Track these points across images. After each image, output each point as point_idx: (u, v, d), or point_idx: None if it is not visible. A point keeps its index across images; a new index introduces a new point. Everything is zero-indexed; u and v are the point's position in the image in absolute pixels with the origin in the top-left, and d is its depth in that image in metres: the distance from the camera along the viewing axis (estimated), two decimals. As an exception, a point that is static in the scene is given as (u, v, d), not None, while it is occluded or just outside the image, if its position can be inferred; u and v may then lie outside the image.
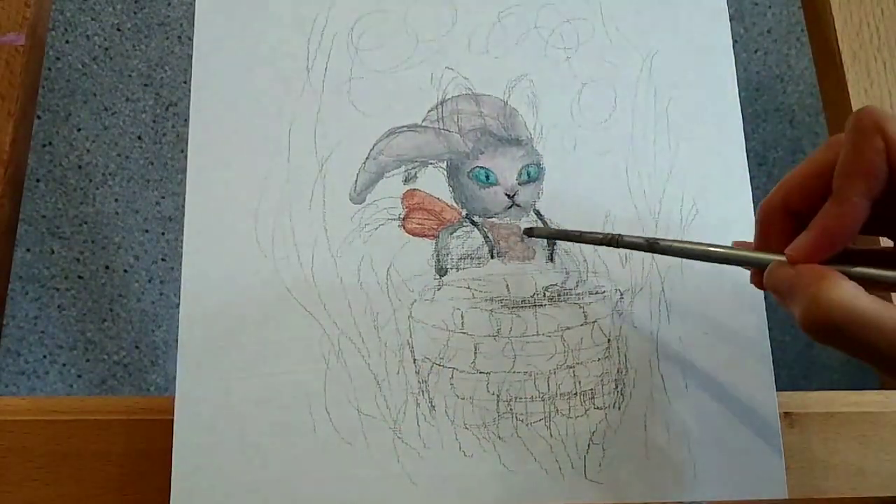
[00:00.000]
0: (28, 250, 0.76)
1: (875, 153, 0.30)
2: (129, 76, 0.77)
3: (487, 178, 0.41)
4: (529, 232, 0.40)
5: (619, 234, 0.37)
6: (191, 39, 0.42)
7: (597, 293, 0.41)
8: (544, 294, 0.40)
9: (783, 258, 0.32)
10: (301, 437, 0.38)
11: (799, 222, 0.33)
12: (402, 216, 0.41)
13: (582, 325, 0.40)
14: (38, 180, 0.76)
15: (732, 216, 0.42)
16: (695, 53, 0.44)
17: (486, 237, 0.41)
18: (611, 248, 0.41)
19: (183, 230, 0.40)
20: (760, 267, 0.34)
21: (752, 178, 0.43)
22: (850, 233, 0.31)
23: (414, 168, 0.41)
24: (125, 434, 0.38)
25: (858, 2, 0.48)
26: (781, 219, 0.34)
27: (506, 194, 0.41)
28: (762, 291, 0.41)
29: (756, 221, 0.35)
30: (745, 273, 0.41)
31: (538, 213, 0.41)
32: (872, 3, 0.48)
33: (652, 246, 0.36)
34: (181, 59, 0.77)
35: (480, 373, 0.39)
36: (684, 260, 0.41)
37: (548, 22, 0.44)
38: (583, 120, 0.43)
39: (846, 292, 0.28)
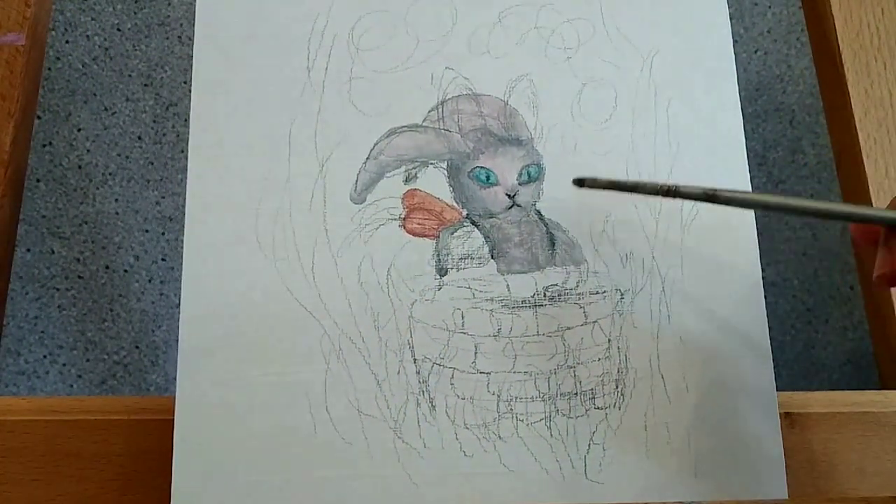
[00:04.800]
0: (28, 250, 0.76)
1: None
2: (129, 76, 0.77)
3: (488, 178, 0.41)
4: (580, 182, 0.35)
5: (675, 185, 0.35)
6: (191, 39, 0.42)
7: (597, 293, 0.41)
8: (545, 294, 0.40)
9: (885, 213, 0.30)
10: (301, 437, 0.38)
11: None
12: (402, 216, 0.41)
13: (582, 325, 0.40)
14: (38, 180, 0.76)
15: (733, 216, 0.42)
16: (695, 53, 0.44)
17: (486, 237, 0.41)
18: (612, 247, 0.41)
19: (183, 230, 0.40)
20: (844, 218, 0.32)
21: (752, 178, 0.43)
22: None
23: (414, 168, 0.41)
24: (125, 434, 0.38)
25: (858, 2, 0.48)
26: None
27: (506, 194, 0.41)
28: (762, 291, 0.41)
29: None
30: (747, 273, 0.41)
31: (539, 214, 0.41)
32: (872, 3, 0.48)
33: (711, 197, 0.33)
34: (181, 59, 0.77)
35: (481, 373, 0.39)
36: (685, 259, 0.41)
37: (548, 22, 0.44)
38: (583, 120, 0.43)
39: None
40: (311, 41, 0.42)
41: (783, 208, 0.33)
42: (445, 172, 0.41)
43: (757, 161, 0.82)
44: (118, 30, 0.78)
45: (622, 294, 0.41)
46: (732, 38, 0.45)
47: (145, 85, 0.78)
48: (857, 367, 0.82)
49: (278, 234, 0.40)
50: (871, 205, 0.45)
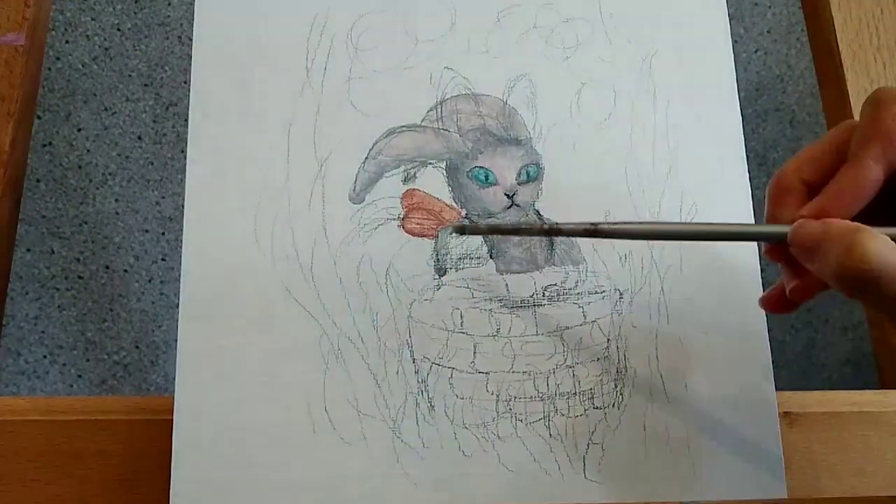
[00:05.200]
0: (28, 250, 0.76)
1: (892, 118, 0.31)
2: (129, 76, 0.77)
3: (487, 177, 0.41)
4: (461, 230, 0.39)
5: (557, 224, 0.37)
6: (191, 39, 0.42)
7: (596, 293, 0.41)
8: (543, 294, 0.40)
9: (780, 229, 0.32)
10: (301, 437, 0.38)
11: (811, 197, 0.33)
12: (401, 216, 0.41)
13: (581, 324, 0.40)
14: (38, 180, 0.76)
15: (732, 216, 0.42)
16: (695, 53, 0.44)
17: (485, 237, 0.41)
18: (610, 247, 0.41)
19: (183, 230, 0.40)
20: (735, 238, 0.34)
21: (752, 178, 0.43)
22: (863, 194, 0.31)
23: (413, 168, 0.41)
24: (125, 434, 0.38)
25: (858, 2, 0.48)
26: (795, 189, 0.34)
27: (505, 194, 0.41)
28: (762, 291, 0.41)
29: (768, 195, 0.35)
30: (746, 273, 0.41)
31: (538, 213, 0.41)
32: (872, 3, 0.48)
33: (592, 232, 0.34)
34: (181, 59, 0.78)
35: (480, 372, 0.39)
36: (684, 259, 0.41)
37: (547, 22, 0.44)
38: (582, 120, 0.43)
39: (883, 242, 0.28)
40: (310, 41, 0.42)
41: (665, 235, 0.35)
42: (444, 172, 0.41)
43: (757, 161, 0.82)
44: (118, 30, 0.78)
45: (621, 294, 0.41)
46: (732, 38, 0.45)
47: (145, 85, 0.78)
48: (857, 367, 0.82)
49: (277, 233, 0.40)
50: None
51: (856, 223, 0.30)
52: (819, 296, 0.34)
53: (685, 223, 0.36)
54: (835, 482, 0.40)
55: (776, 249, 0.34)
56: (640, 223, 0.35)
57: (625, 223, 0.35)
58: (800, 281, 0.34)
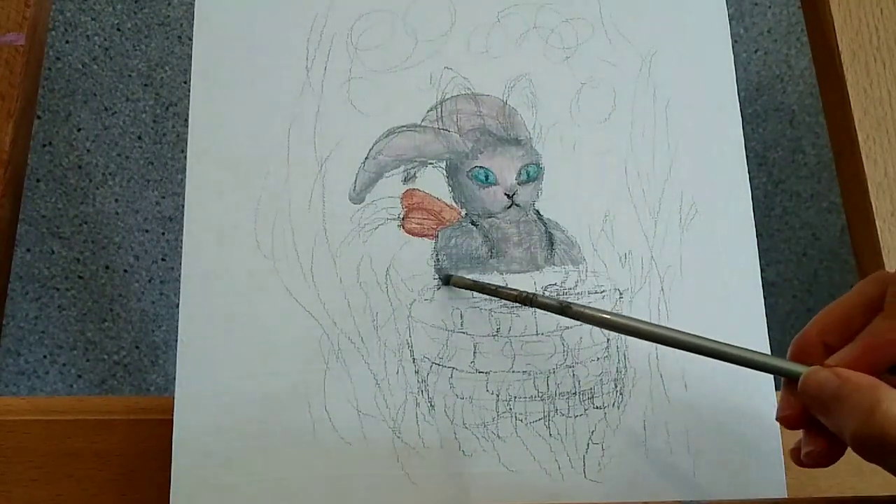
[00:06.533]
0: (28, 250, 0.76)
1: None
2: (129, 76, 0.77)
3: (487, 177, 0.41)
4: (447, 280, 0.39)
5: (534, 294, 0.37)
6: (191, 39, 0.42)
7: (596, 293, 0.41)
8: (544, 294, 0.40)
9: (794, 367, 0.30)
10: (301, 437, 0.38)
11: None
12: (401, 216, 0.41)
13: (581, 324, 0.40)
14: (38, 180, 0.76)
15: (732, 216, 0.42)
16: (695, 53, 0.44)
17: (485, 237, 0.41)
18: (610, 247, 0.41)
19: (183, 230, 0.40)
20: (757, 368, 0.32)
21: (751, 179, 0.43)
22: None
23: (413, 168, 0.41)
24: (125, 434, 0.38)
25: (858, 2, 0.48)
26: (818, 354, 0.32)
27: (505, 194, 0.41)
28: (762, 291, 0.41)
29: (788, 357, 0.33)
30: (745, 273, 0.41)
31: (538, 213, 0.41)
32: (872, 3, 0.48)
33: (563, 310, 0.35)
34: (181, 59, 0.78)
35: (480, 372, 0.39)
36: (684, 259, 0.41)
37: (547, 22, 0.44)
38: (582, 120, 0.43)
39: None
40: (310, 41, 0.42)
41: (633, 332, 0.34)
42: (444, 172, 0.41)
43: (757, 161, 0.82)
44: (118, 30, 0.78)
45: (621, 294, 0.41)
46: (732, 38, 0.45)
47: (145, 85, 0.78)
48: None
49: (277, 233, 0.40)
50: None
51: (872, 378, 0.28)
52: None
53: (655, 325, 0.35)
54: (835, 482, 0.40)
55: (791, 415, 0.32)
56: (609, 312, 0.34)
57: (592, 309, 0.34)
58: (816, 446, 0.31)
